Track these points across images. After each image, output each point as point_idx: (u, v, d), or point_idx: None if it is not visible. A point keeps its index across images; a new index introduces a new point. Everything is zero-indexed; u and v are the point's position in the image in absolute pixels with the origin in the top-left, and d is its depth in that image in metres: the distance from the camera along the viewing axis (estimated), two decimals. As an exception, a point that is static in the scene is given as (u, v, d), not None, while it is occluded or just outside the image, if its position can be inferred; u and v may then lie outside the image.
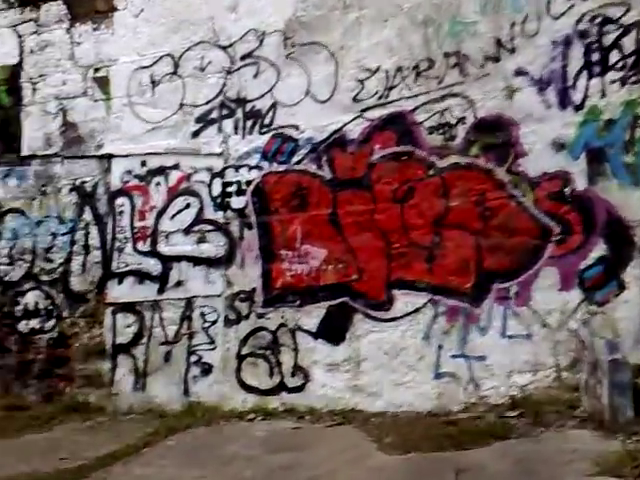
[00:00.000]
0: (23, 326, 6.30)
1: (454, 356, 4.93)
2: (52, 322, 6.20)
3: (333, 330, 5.28)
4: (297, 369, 5.37)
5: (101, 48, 6.24)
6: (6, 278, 6.40)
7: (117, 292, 5.98)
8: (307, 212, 5.42)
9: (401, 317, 5.07)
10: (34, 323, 6.26)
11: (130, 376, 5.87)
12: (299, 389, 5.36)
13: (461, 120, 5.01)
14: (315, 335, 5.34)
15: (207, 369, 5.64)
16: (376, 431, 4.61)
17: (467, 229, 4.94)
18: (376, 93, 5.25)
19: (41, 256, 6.28)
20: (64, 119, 6.32)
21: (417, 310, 5.02)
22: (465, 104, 5.02)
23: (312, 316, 5.36)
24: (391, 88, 5.21)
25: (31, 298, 6.30)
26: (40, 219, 6.32)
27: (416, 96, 5.13)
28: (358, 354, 5.17)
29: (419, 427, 4.58)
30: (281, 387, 5.41)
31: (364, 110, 5.28)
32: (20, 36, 6.51)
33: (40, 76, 6.45)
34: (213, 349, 5.64)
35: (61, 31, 6.36)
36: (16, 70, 6.54)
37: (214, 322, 5.66)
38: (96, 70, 6.26)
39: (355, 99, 5.31)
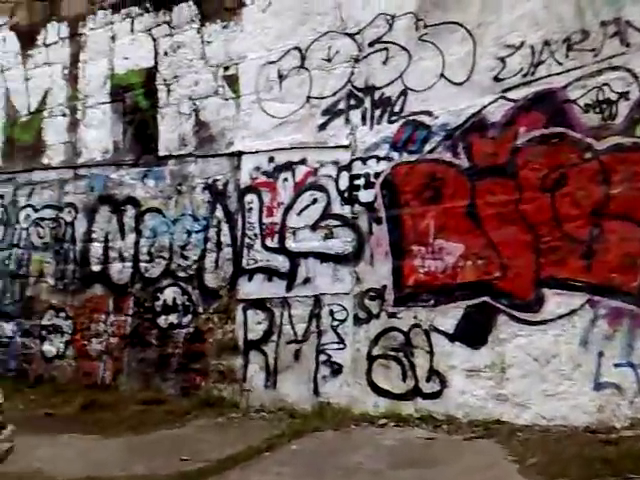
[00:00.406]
0: (162, 321, 6.04)
1: (618, 365, 4.05)
2: (189, 317, 5.90)
3: (472, 332, 4.55)
4: (433, 373, 4.69)
5: (230, 46, 5.85)
6: (147, 274, 6.16)
7: (247, 288, 5.56)
8: (441, 204, 4.73)
9: (553, 320, 4.23)
10: (172, 318, 5.98)
11: (261, 373, 5.44)
12: (435, 395, 4.67)
13: (623, 96, 4.08)
14: (452, 337, 4.60)
15: (337, 369, 5.08)
16: (520, 448, 3.87)
17: (633, 219, 4.01)
18: (520, 71, 4.45)
19: (177, 253, 6.00)
20: (197, 119, 6.00)
21: (572, 312, 4.18)
22: (628, 77, 4.08)
23: (448, 316, 4.63)
24: (538, 64, 4.38)
25: (169, 294, 6.02)
26: (176, 217, 6.03)
27: (568, 71, 4.28)
28: (502, 360, 4.39)
29: (571, 446, 3.78)
30: (415, 392, 4.75)
31: (506, 90, 4.49)
32: (154, 39, 6.27)
33: (174, 77, 6.16)
34: (342, 349, 5.07)
35: (192, 31, 6.04)
36: (152, 73, 6.28)
37: (343, 321, 5.08)
38: (225, 69, 5.86)
39: (496, 79, 4.54)
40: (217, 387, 5.63)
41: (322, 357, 5.16)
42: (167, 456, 4.21)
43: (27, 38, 7.26)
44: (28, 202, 7.07)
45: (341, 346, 5.08)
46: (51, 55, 7.08)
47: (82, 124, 6.79)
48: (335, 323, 5.12)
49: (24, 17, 7.28)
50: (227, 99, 5.84)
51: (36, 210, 7.01)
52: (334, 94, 5.27)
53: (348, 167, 5.15)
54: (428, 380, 4.68)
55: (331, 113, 5.28)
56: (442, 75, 4.74)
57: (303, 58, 5.44)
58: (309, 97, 5.38)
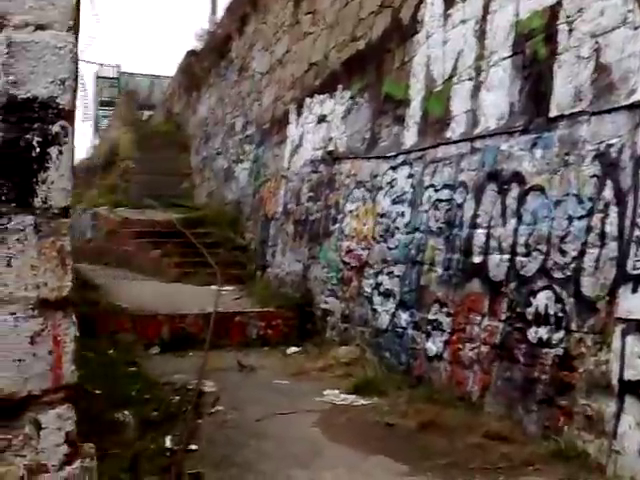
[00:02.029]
0: (532, 333, 5.18)
1: None
2: (560, 334, 4.87)
3: None
4: None
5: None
6: (522, 272, 5.37)
7: (631, 303, 4.24)
8: None
9: None
10: (542, 332, 5.05)
11: (638, 431, 4.03)
12: None
13: None
14: None
15: None
16: None
17: None
18: None
19: (555, 246, 5.01)
20: (597, 62, 4.89)
21: None
22: None
23: None
24: None
25: (542, 299, 5.08)
26: (559, 198, 5.03)
27: None
28: None
29: None
30: None
31: None
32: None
33: (578, 11, 5.14)
34: None
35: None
36: (555, 10, 5.38)
37: None
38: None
39: None
40: (581, 437, 4.49)
41: None
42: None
43: (449, -4, 7.22)
44: (431, 182, 7.07)
45: None
46: (467, 10, 6.84)
47: (483, 87, 6.38)
48: None
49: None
50: (637, 28, 4.54)
51: (436, 190, 6.96)
52: None
53: None
54: None
55: None
56: None
57: None
58: None
